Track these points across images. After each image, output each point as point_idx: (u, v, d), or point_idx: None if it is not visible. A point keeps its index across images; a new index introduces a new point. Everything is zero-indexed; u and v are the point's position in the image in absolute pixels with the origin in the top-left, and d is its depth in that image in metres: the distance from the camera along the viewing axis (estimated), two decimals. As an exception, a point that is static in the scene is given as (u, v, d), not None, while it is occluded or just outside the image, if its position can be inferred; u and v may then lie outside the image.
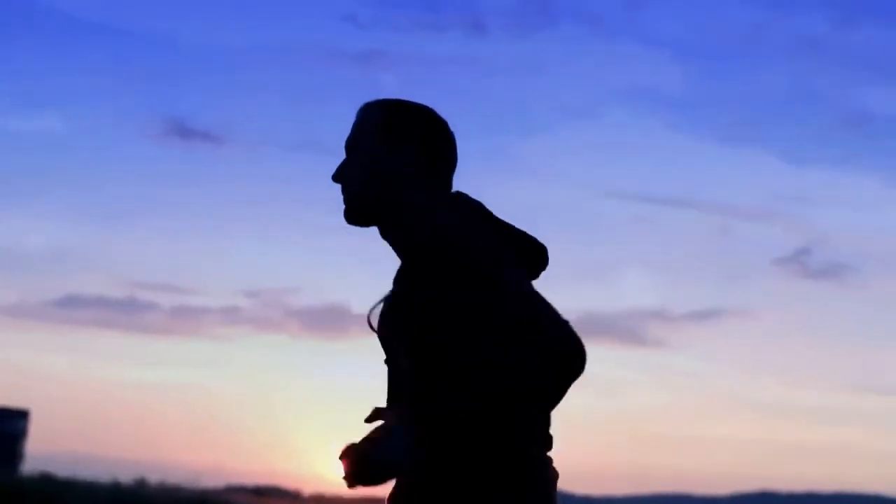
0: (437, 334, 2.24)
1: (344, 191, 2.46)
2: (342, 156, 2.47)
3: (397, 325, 2.31)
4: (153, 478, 23.07)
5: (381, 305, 2.40)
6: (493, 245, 2.26)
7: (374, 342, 2.43)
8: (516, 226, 2.39)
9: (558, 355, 2.14)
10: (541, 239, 2.40)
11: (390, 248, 2.45)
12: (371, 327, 2.41)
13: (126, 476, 23.00)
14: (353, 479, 2.26)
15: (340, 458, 2.28)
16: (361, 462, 2.24)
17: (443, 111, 2.49)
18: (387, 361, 2.42)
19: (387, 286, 2.41)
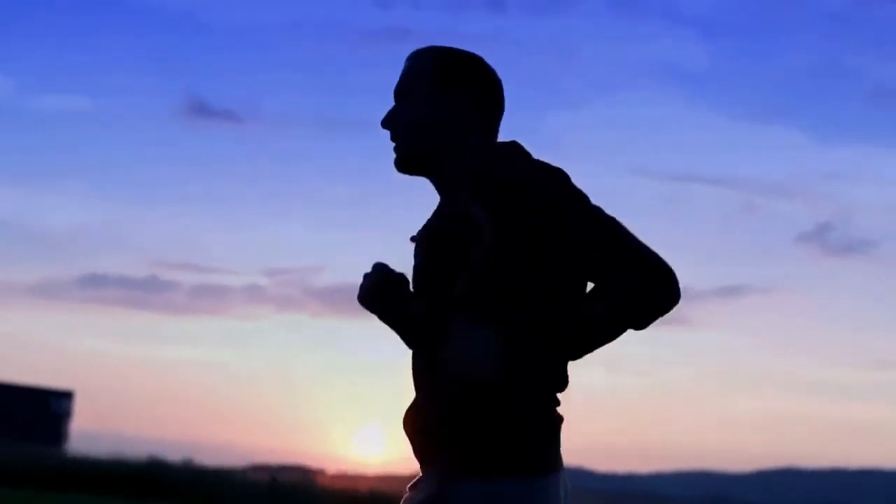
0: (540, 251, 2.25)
1: (394, 138, 2.45)
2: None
3: (469, 245, 2.29)
4: (174, 456, 23.14)
5: (430, 226, 2.42)
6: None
7: None
8: None
9: (660, 280, 2.26)
10: None
11: (436, 197, 2.46)
12: (413, 239, 2.43)
13: (143, 454, 23.13)
14: (368, 295, 2.39)
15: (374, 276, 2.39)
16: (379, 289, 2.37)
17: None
18: (418, 291, 2.41)
19: (407, 265, 2.42)
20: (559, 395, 2.33)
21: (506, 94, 2.48)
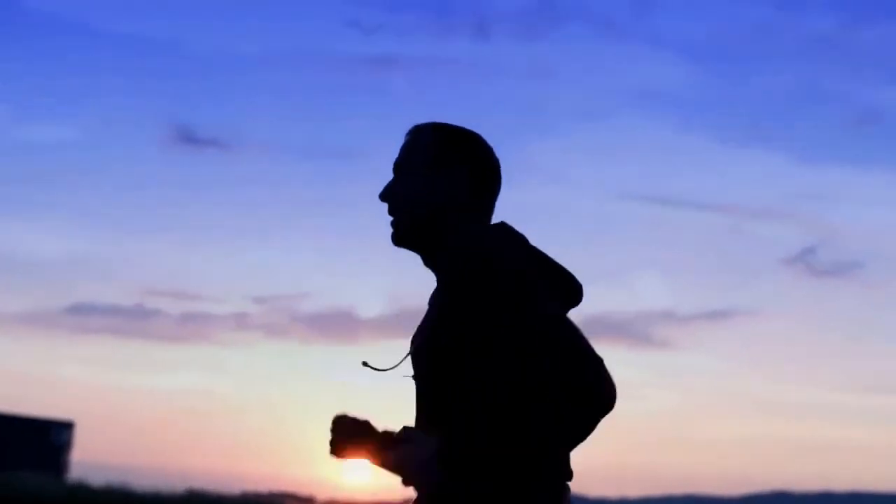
0: (476, 363, 2.26)
1: (392, 212, 2.47)
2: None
3: (435, 344, 2.32)
4: (163, 484, 23.57)
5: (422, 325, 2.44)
6: (537, 278, 2.31)
7: (382, 346, 2.55)
8: (553, 258, 2.43)
9: (597, 404, 2.22)
10: (550, 241, 2.44)
11: (424, 268, 2.49)
12: (372, 368, 2.44)
13: (141, 482, 23.56)
14: (335, 447, 2.35)
15: (334, 427, 2.35)
16: (348, 434, 2.33)
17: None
18: (415, 377, 2.42)
19: (394, 291, 2.62)
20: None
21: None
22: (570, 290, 2.40)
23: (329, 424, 2.37)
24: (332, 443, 2.36)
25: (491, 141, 2.52)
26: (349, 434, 2.34)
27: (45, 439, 32.98)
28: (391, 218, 2.47)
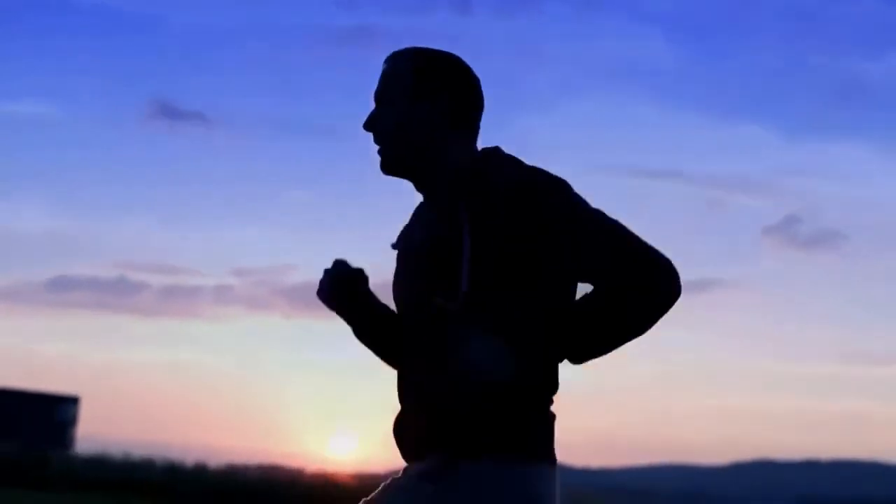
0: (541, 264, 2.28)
1: (377, 141, 2.45)
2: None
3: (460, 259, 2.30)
4: (154, 457, 23.96)
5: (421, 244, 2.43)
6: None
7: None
8: None
9: (657, 281, 2.31)
10: None
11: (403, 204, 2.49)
12: (394, 247, 2.50)
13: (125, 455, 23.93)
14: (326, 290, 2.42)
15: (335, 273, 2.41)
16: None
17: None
18: (402, 299, 2.46)
19: (377, 263, 2.46)
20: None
21: None
22: None
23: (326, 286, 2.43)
24: (329, 287, 2.43)
25: None
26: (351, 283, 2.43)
27: (50, 414, 33.28)
28: (377, 147, 2.46)
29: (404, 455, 2.40)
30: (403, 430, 2.41)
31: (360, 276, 2.43)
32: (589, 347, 2.35)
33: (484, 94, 2.48)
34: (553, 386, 2.34)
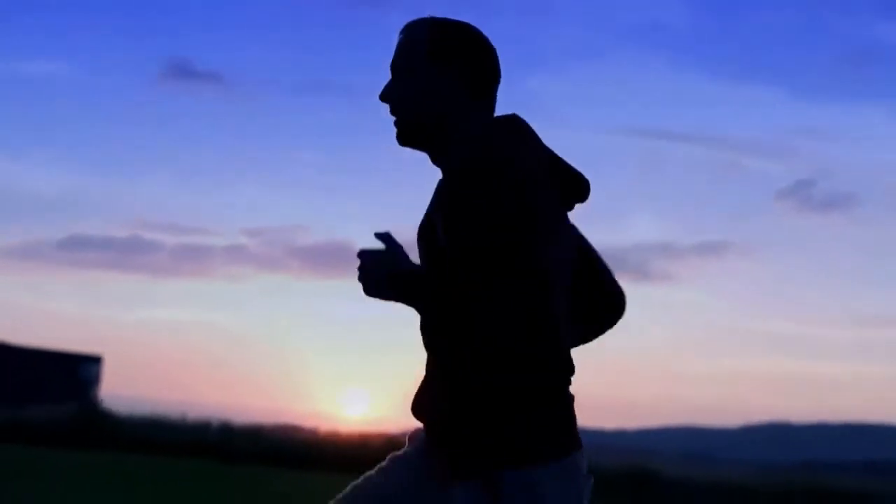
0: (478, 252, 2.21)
1: (394, 112, 2.44)
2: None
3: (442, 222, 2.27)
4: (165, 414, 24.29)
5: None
6: (537, 169, 2.31)
7: None
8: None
9: (611, 304, 2.47)
10: None
11: (424, 170, 2.47)
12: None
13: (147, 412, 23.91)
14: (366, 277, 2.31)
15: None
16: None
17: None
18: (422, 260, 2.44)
19: (392, 224, 2.41)
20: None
21: None
22: (575, 185, 2.42)
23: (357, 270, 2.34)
24: (371, 285, 2.32)
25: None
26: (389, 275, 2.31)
27: (73, 373, 33.50)
28: (393, 118, 2.45)
29: (428, 434, 2.42)
30: (421, 413, 2.42)
31: (395, 254, 2.34)
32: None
33: (500, 61, 2.47)
34: (569, 367, 2.34)
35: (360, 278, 2.32)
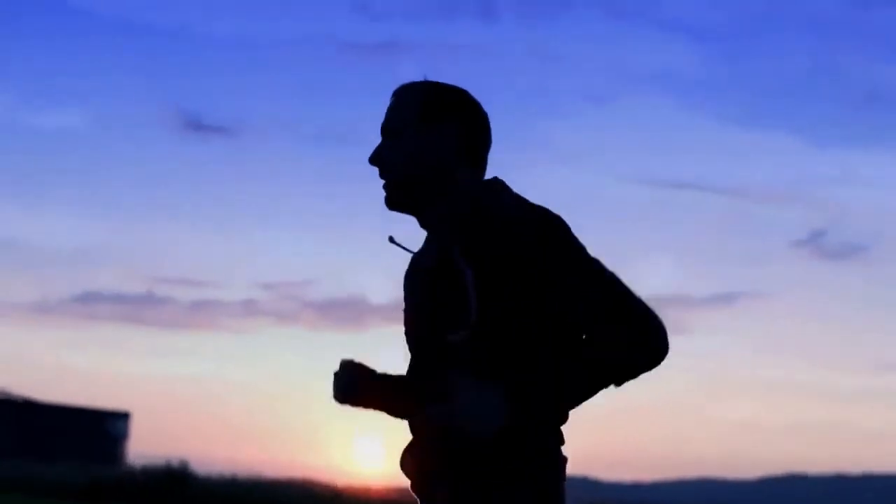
0: (533, 305, 2.23)
1: (383, 175, 2.40)
2: (357, 148, 2.38)
3: (466, 291, 2.26)
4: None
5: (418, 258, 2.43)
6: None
7: (393, 331, 2.42)
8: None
9: (648, 338, 2.25)
10: None
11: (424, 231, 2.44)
12: (400, 246, 2.44)
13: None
14: (342, 395, 2.34)
15: (342, 370, 2.35)
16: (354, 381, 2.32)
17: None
18: (411, 332, 2.41)
19: (399, 267, 2.41)
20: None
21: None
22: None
23: (337, 376, 2.37)
24: (344, 387, 2.36)
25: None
26: (361, 378, 2.36)
27: (101, 429, 33.57)
28: (382, 182, 2.42)
29: (412, 487, 2.40)
30: (406, 469, 2.40)
31: (368, 375, 2.38)
32: (576, 394, 2.29)
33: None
34: (560, 420, 2.33)
35: (334, 383, 2.38)
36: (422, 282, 2.40)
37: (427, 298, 2.37)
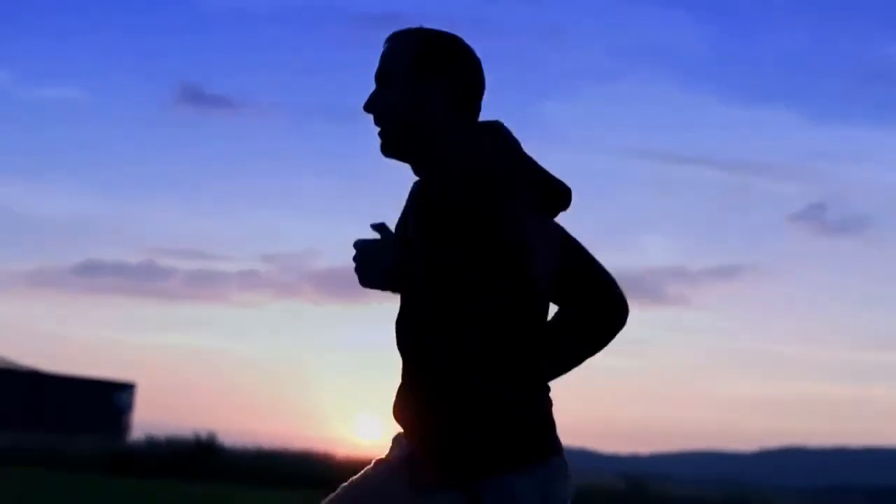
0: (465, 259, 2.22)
1: (378, 122, 2.41)
2: (359, 119, 2.43)
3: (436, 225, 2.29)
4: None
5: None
6: (517, 177, 2.29)
7: (395, 302, 2.41)
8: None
9: (615, 304, 2.36)
10: None
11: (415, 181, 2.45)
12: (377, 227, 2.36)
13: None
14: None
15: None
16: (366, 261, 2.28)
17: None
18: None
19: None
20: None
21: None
22: (558, 194, 2.36)
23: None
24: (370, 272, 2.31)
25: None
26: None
27: (107, 401, 33.76)
28: (377, 128, 2.42)
29: (406, 436, 2.41)
30: (400, 418, 2.41)
31: (385, 241, 2.33)
32: (553, 367, 2.36)
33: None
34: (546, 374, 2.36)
35: (357, 269, 2.31)
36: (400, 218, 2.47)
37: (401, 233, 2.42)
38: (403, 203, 2.48)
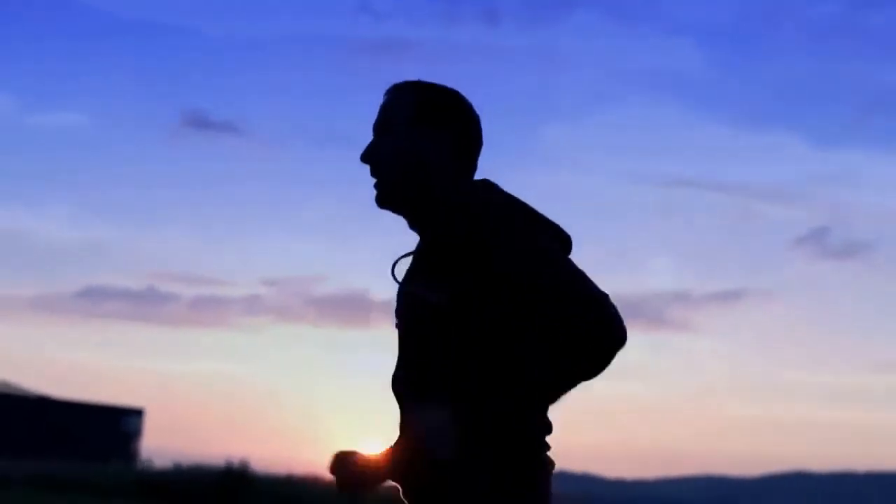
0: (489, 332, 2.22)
1: (375, 174, 2.40)
2: (361, 145, 2.42)
3: (436, 316, 2.26)
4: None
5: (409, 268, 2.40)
6: (525, 222, 2.26)
7: (395, 330, 2.39)
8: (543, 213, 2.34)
9: (597, 346, 2.18)
10: (563, 224, 2.35)
11: (414, 233, 2.43)
12: (395, 279, 2.41)
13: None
14: (343, 487, 2.32)
15: (332, 468, 2.33)
16: (350, 471, 2.30)
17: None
18: (403, 325, 2.38)
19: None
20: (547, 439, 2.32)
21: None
22: (560, 240, 2.33)
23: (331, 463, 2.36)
24: (340, 484, 2.34)
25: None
26: (352, 469, 2.33)
27: (115, 426, 33.72)
28: (374, 180, 2.41)
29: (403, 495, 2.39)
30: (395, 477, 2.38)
31: (356, 464, 2.34)
32: (553, 397, 2.27)
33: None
34: (544, 431, 2.31)
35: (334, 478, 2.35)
36: (402, 309, 2.39)
37: (405, 326, 2.38)
38: (404, 225, 2.46)
